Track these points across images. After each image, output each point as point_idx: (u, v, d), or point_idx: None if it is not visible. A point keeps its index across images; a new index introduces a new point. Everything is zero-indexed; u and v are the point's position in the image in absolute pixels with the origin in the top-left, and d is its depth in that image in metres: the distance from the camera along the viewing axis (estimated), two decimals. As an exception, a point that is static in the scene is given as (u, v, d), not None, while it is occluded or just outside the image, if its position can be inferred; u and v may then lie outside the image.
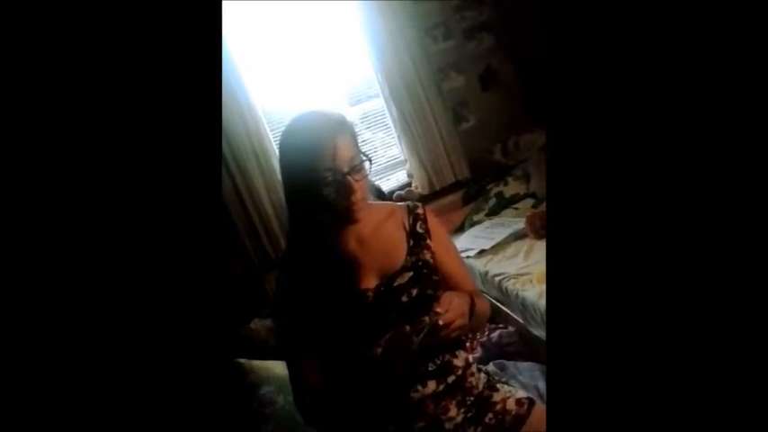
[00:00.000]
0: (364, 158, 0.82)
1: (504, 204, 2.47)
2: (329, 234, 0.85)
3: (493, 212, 2.46)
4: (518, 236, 2.08)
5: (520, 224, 2.11)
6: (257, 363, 1.50)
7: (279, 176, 2.50)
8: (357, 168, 0.81)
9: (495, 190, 2.55)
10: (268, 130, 2.54)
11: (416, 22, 2.62)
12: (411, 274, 0.87)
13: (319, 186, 0.79)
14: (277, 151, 2.88)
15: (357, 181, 0.80)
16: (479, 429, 0.88)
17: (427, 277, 0.88)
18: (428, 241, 0.92)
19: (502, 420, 0.89)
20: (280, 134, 0.86)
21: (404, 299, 0.85)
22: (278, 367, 1.50)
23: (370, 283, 0.87)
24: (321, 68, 2.63)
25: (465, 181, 2.72)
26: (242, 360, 1.50)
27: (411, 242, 0.91)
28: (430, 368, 0.86)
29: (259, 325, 1.81)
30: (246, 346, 1.70)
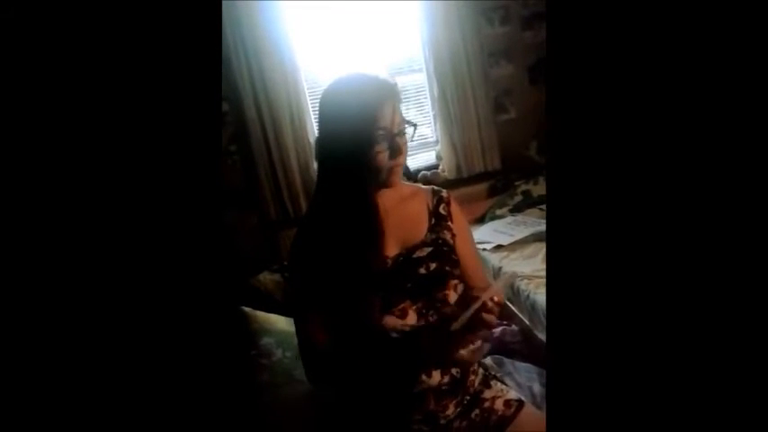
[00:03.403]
0: (410, 125, 0.84)
1: (529, 203, 2.42)
2: (365, 194, 0.84)
3: (517, 209, 2.42)
4: (538, 237, 2.04)
5: (542, 226, 2.07)
6: (261, 314, 1.53)
7: (310, 134, 2.52)
8: (403, 132, 0.82)
9: (524, 187, 2.50)
10: (305, 87, 2.51)
11: (475, 1, 2.52)
12: (431, 249, 0.88)
13: (369, 144, 0.79)
14: (311, 109, 2.81)
15: (403, 144, 0.82)
16: (464, 424, 0.88)
17: (446, 255, 0.88)
18: (449, 222, 0.92)
19: (487, 419, 0.89)
20: (329, 90, 0.83)
21: (422, 271, 0.86)
22: (280, 322, 1.52)
23: (391, 251, 0.87)
24: (367, 34, 2.57)
25: (494, 173, 2.67)
26: (246, 309, 1.52)
27: (432, 220, 0.91)
28: None
29: (268, 278, 1.83)
30: (253, 297, 1.72)
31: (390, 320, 0.83)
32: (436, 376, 0.84)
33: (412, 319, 0.84)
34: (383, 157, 0.80)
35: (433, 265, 0.86)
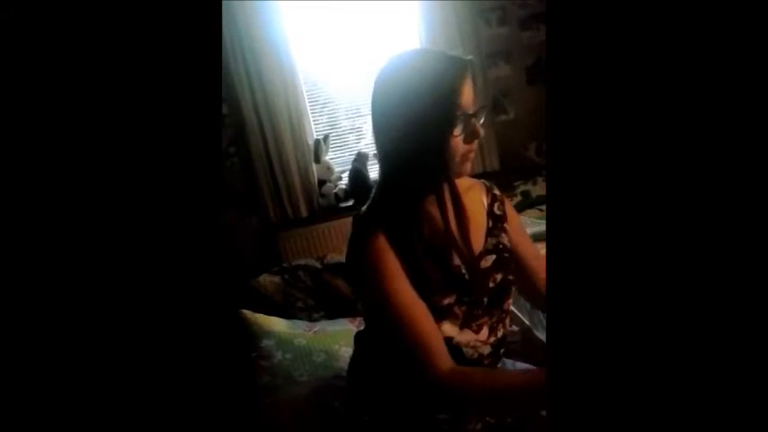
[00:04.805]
0: (483, 106, 0.74)
1: (529, 204, 2.43)
2: (452, 185, 0.74)
3: (516, 210, 2.42)
4: (537, 238, 2.03)
5: (542, 226, 2.07)
6: (261, 316, 1.53)
7: (309, 136, 2.51)
8: (478, 114, 0.73)
9: (523, 188, 2.51)
10: (304, 89, 2.51)
11: (473, 2, 2.53)
12: (494, 257, 0.80)
13: (450, 127, 0.69)
14: (310, 111, 2.79)
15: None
16: (479, 426, 0.87)
17: (507, 262, 0.83)
18: (505, 224, 0.85)
19: (502, 421, 0.87)
20: (392, 68, 0.72)
21: (490, 284, 0.80)
22: (279, 324, 1.52)
23: (459, 260, 0.77)
24: (365, 35, 2.57)
25: (493, 173, 2.67)
26: (246, 311, 1.52)
27: (490, 223, 0.84)
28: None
29: (267, 280, 1.83)
30: (253, 299, 1.72)
31: (466, 335, 0.77)
32: None
33: (484, 335, 0.78)
34: (458, 141, 0.70)
35: (498, 277, 0.79)
